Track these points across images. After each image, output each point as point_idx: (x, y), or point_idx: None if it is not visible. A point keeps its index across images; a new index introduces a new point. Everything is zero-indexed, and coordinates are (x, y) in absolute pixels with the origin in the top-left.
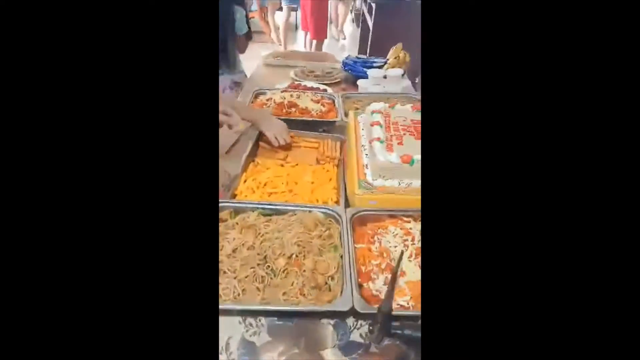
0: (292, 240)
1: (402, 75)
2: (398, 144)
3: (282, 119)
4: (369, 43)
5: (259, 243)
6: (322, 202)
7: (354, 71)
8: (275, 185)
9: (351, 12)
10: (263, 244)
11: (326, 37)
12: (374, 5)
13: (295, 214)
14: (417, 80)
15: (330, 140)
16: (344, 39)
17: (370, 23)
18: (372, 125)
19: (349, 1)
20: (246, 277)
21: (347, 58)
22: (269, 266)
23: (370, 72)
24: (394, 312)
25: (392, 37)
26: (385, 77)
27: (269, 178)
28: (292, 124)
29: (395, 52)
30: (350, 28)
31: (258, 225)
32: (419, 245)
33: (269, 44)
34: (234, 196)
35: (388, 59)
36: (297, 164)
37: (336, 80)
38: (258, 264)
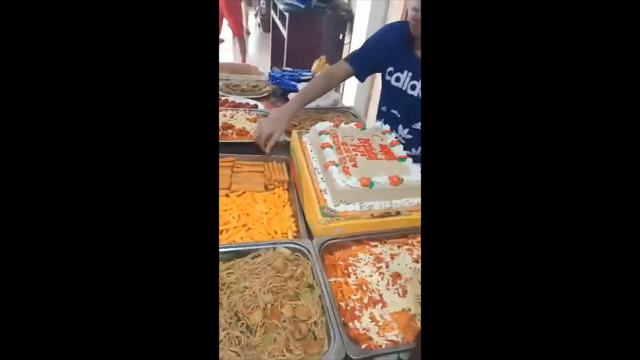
0: (264, 287)
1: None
2: (353, 166)
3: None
4: (285, 54)
5: (226, 298)
6: (281, 233)
7: (283, 85)
8: (226, 220)
9: (256, 17)
10: (231, 298)
11: (245, 33)
12: (287, 14)
13: (259, 255)
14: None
15: (276, 162)
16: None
17: (284, 32)
18: (322, 147)
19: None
20: (220, 342)
21: (272, 71)
22: (243, 323)
23: (300, 86)
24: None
25: (310, 49)
26: None
27: None
28: (231, 147)
29: (320, 64)
30: (257, 31)
31: (219, 274)
32: (394, 271)
33: None
34: None
35: (315, 73)
36: (244, 192)
37: (264, 95)
38: (230, 324)
